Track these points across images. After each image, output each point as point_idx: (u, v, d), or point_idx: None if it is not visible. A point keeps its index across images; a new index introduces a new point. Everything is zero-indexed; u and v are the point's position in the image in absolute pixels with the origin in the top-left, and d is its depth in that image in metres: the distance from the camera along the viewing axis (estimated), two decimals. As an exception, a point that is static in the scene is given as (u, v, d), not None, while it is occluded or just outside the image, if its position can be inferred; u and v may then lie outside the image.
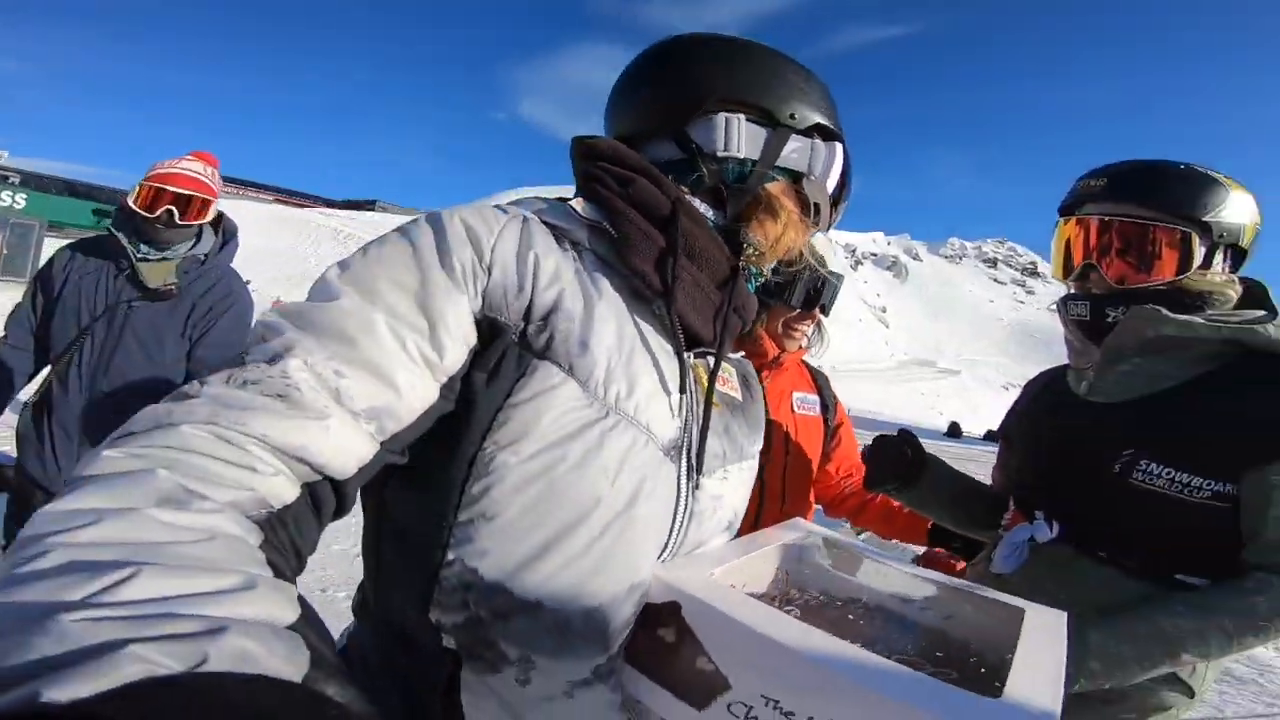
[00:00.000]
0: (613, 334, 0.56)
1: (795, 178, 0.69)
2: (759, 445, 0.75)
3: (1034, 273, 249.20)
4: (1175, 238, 1.00)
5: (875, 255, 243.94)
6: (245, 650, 0.28)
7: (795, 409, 1.48)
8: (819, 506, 1.63)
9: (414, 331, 0.49)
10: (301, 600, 0.35)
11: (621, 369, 0.56)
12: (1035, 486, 1.13)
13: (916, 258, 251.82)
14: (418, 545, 0.53)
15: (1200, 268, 1.00)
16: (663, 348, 0.61)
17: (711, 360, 0.65)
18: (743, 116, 0.66)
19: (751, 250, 0.67)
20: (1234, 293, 1.02)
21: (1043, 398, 1.23)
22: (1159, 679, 0.94)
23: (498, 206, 0.59)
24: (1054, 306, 1.16)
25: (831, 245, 1.46)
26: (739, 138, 0.66)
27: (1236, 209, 1.00)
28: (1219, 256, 1.02)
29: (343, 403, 0.45)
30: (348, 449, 0.45)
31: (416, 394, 0.49)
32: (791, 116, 0.68)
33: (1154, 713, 0.99)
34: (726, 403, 0.71)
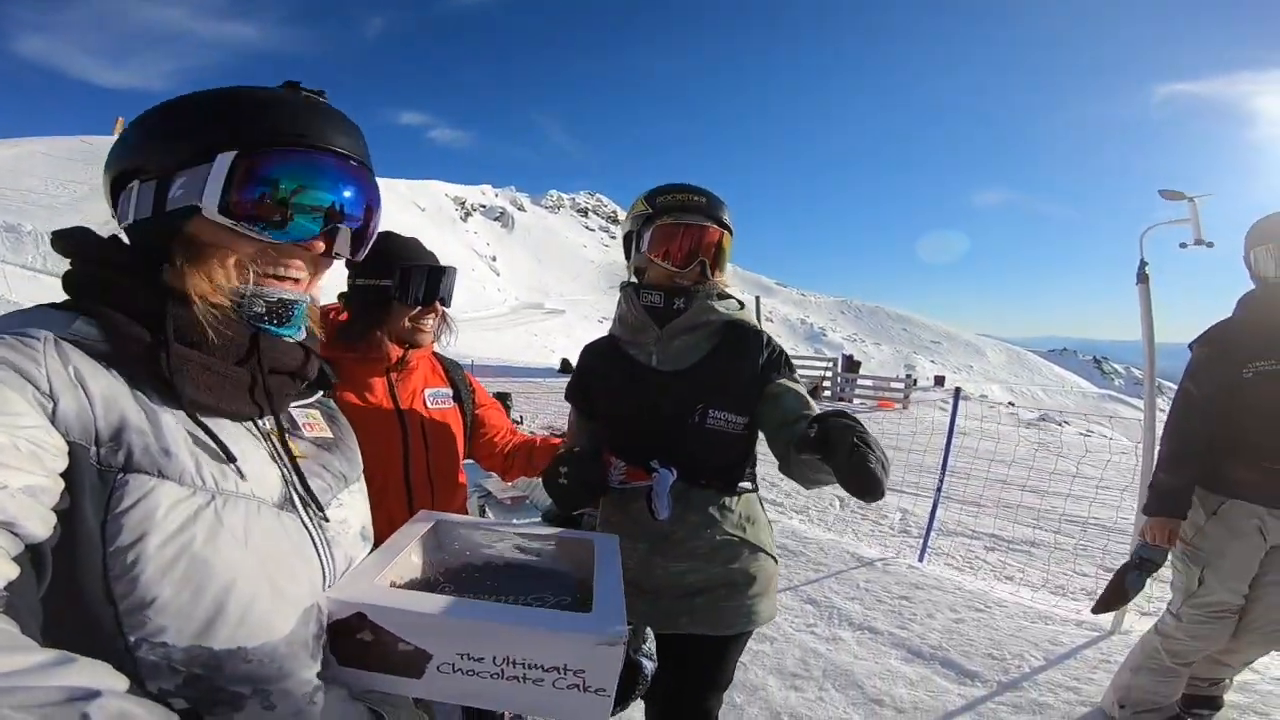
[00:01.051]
0: (184, 435, 0.58)
1: (195, 210, 0.62)
2: (360, 467, 0.82)
3: (615, 219, 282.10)
4: (720, 240, 1.37)
5: (484, 207, 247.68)
6: (126, 712, 0.31)
7: (429, 405, 1.48)
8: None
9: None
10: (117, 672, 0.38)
11: (207, 458, 0.59)
12: (641, 444, 1.33)
13: (521, 208, 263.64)
14: (94, 649, 0.46)
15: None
16: (241, 430, 0.65)
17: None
18: (136, 184, 0.64)
19: (201, 304, 0.62)
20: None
21: (614, 371, 1.44)
22: (750, 550, 1.34)
23: (21, 333, 0.54)
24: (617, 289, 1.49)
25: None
26: (130, 207, 0.64)
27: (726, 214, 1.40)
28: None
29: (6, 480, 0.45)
30: (33, 510, 0.46)
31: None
32: (176, 158, 0.63)
33: (757, 576, 1.34)
34: (319, 444, 0.77)
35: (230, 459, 0.61)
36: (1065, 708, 2.14)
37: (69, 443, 0.51)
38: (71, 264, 0.64)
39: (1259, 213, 2.49)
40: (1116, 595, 1.95)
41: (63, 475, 0.51)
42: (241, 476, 0.61)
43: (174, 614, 0.54)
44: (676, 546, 1.31)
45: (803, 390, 1.32)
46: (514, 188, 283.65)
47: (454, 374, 1.60)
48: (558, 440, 1.72)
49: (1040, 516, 5.35)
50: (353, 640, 0.66)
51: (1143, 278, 2.57)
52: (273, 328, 0.68)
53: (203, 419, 0.60)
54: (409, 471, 1.39)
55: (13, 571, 0.43)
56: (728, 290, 1.41)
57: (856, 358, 18.29)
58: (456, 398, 1.56)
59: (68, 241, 0.65)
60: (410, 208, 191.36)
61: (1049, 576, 3.92)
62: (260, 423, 0.68)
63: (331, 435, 0.80)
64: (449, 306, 1.47)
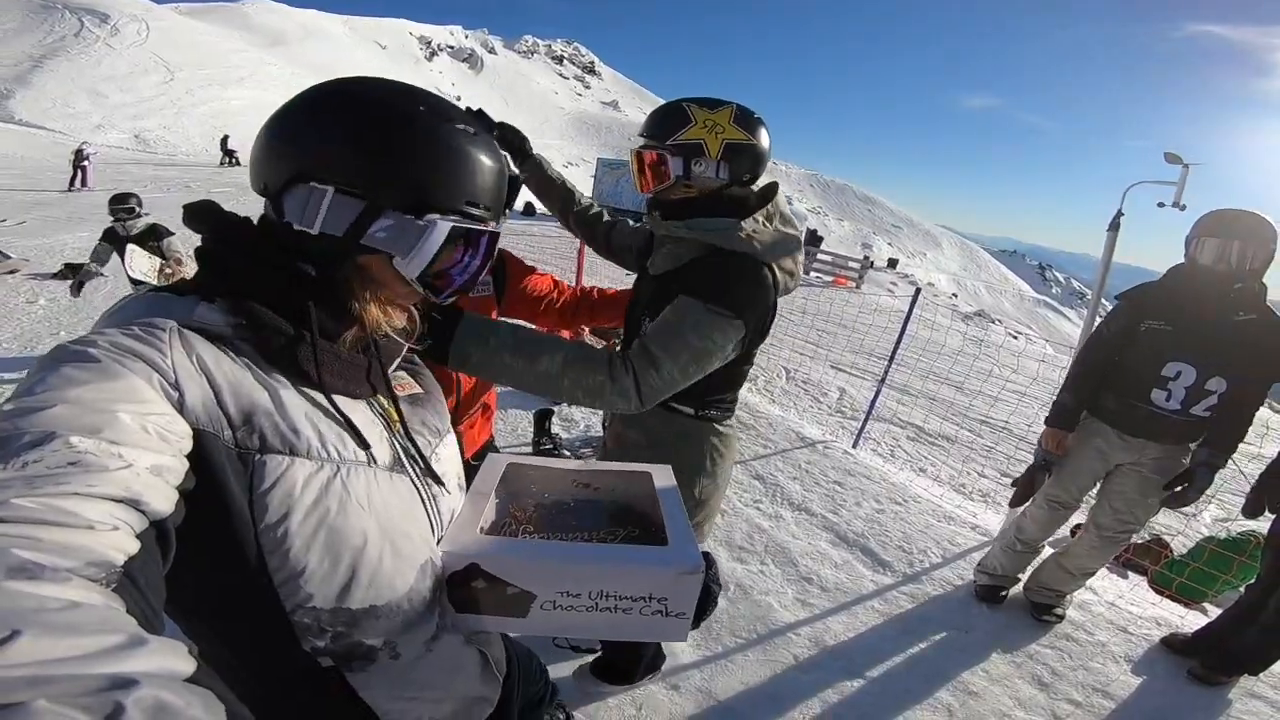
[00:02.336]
0: (306, 410, 0.61)
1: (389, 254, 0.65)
2: (448, 418, 0.84)
3: (591, 70, 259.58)
4: (655, 159, 1.30)
5: (452, 48, 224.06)
6: (163, 702, 0.29)
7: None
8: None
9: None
10: (196, 654, 0.35)
11: (329, 430, 0.61)
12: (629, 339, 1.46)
13: (492, 51, 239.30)
14: (258, 618, 0.58)
15: (684, 180, 1.28)
16: (353, 401, 0.67)
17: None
18: (330, 190, 0.61)
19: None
20: (735, 193, 1.31)
21: (642, 264, 1.51)
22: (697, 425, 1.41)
23: (147, 324, 0.55)
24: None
25: None
26: (319, 213, 0.61)
27: (697, 130, 1.26)
28: (700, 168, 1.27)
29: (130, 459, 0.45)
30: (158, 488, 0.47)
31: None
32: (388, 194, 0.62)
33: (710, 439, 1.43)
34: (412, 402, 0.78)
35: (356, 434, 0.64)
36: (952, 600, 2.56)
37: (200, 430, 0.52)
38: (203, 243, 0.64)
39: (1238, 178, 2.66)
40: (1026, 489, 2.44)
41: (195, 458, 0.52)
42: (360, 445, 0.64)
43: (319, 581, 0.58)
44: (615, 454, 1.49)
45: (677, 309, 1.19)
46: (486, 30, 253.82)
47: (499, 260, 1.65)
48: (614, 292, 1.78)
49: (962, 414, 5.88)
50: (467, 588, 0.71)
51: (1114, 226, 2.75)
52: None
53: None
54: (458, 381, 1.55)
55: (133, 547, 0.43)
56: (718, 192, 1.30)
57: (819, 233, 18.25)
58: (496, 287, 1.64)
59: (206, 223, 0.64)
60: (370, 46, 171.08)
61: (955, 474, 4.42)
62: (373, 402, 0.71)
63: (421, 391, 0.82)
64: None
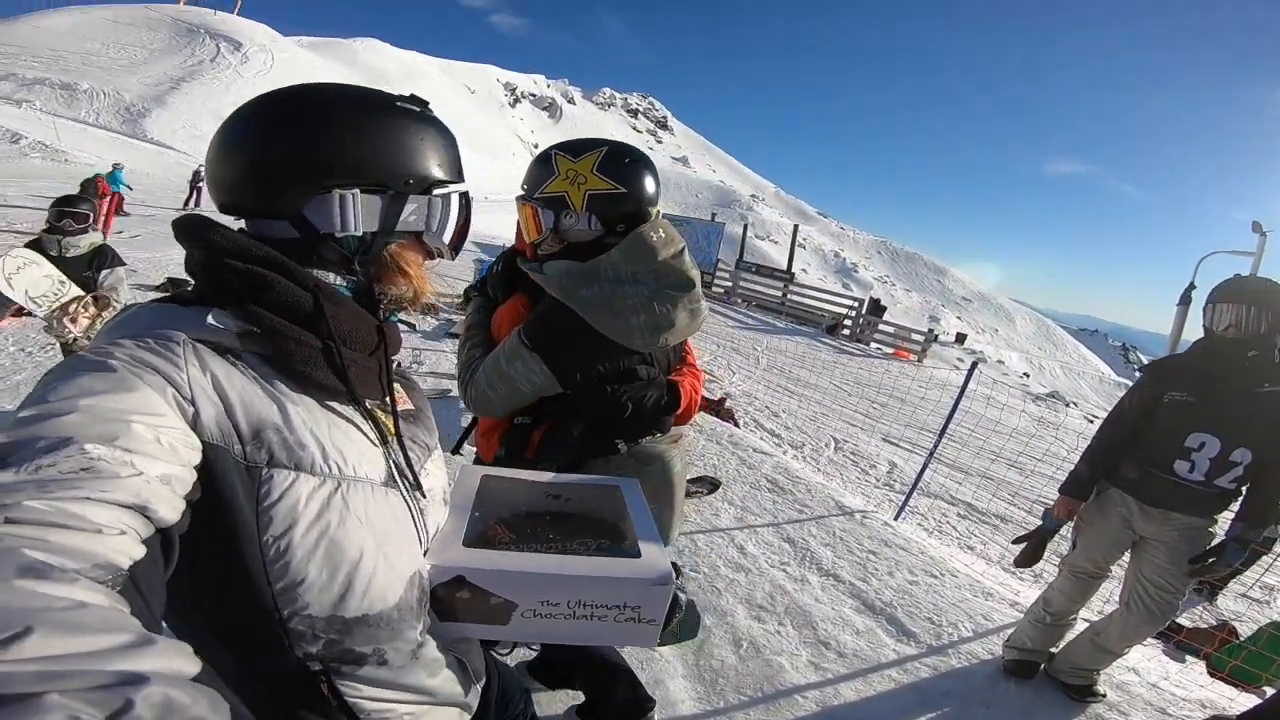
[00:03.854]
0: (310, 425, 0.62)
1: (418, 234, 0.73)
2: (436, 434, 0.86)
3: (664, 125, 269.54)
4: (531, 212, 1.32)
5: (534, 96, 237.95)
6: (171, 700, 0.31)
7: None
8: None
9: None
10: (199, 655, 0.37)
11: (332, 447, 0.64)
12: None
13: (572, 102, 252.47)
14: (254, 623, 0.60)
15: (554, 232, 1.31)
16: (351, 414, 0.68)
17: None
18: (357, 191, 0.66)
19: (389, 302, 0.74)
20: (558, 246, 1.33)
21: None
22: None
23: (161, 336, 0.57)
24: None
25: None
26: (355, 215, 0.67)
27: (560, 183, 1.28)
28: (570, 220, 1.30)
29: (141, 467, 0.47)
30: (166, 497, 0.48)
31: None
32: (408, 183, 0.70)
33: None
34: (407, 417, 0.79)
35: (378, 430, 0.70)
36: (977, 674, 2.42)
37: (212, 444, 0.55)
38: (200, 256, 0.64)
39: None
40: (1030, 554, 2.42)
41: (203, 470, 0.54)
42: (359, 460, 0.66)
43: (317, 591, 0.61)
44: None
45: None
46: (567, 80, 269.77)
47: None
48: None
49: (1017, 494, 5.59)
50: (453, 599, 0.76)
51: (1185, 300, 2.72)
52: (394, 317, 0.80)
53: (328, 404, 0.66)
54: None
55: (139, 552, 0.45)
56: (549, 248, 1.35)
57: (884, 302, 18.05)
58: None
59: (201, 237, 0.63)
60: (461, 89, 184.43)
61: (1005, 554, 4.16)
62: (368, 404, 0.71)
63: (414, 406, 0.84)
64: None
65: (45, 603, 0.34)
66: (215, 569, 0.58)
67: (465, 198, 0.78)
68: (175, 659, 0.35)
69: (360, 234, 0.68)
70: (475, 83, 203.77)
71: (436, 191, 0.74)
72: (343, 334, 0.67)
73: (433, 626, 0.75)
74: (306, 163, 0.65)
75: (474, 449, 1.55)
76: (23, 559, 0.37)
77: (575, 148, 1.31)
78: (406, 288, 0.74)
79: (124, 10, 71.48)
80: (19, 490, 0.41)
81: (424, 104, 0.75)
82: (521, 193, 1.36)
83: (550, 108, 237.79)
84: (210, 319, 0.60)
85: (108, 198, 8.90)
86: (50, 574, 0.37)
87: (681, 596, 0.93)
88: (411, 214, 0.71)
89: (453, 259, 0.80)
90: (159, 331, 0.57)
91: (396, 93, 0.75)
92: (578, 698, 1.91)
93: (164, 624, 0.54)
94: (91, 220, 3.15)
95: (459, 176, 0.76)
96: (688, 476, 3.75)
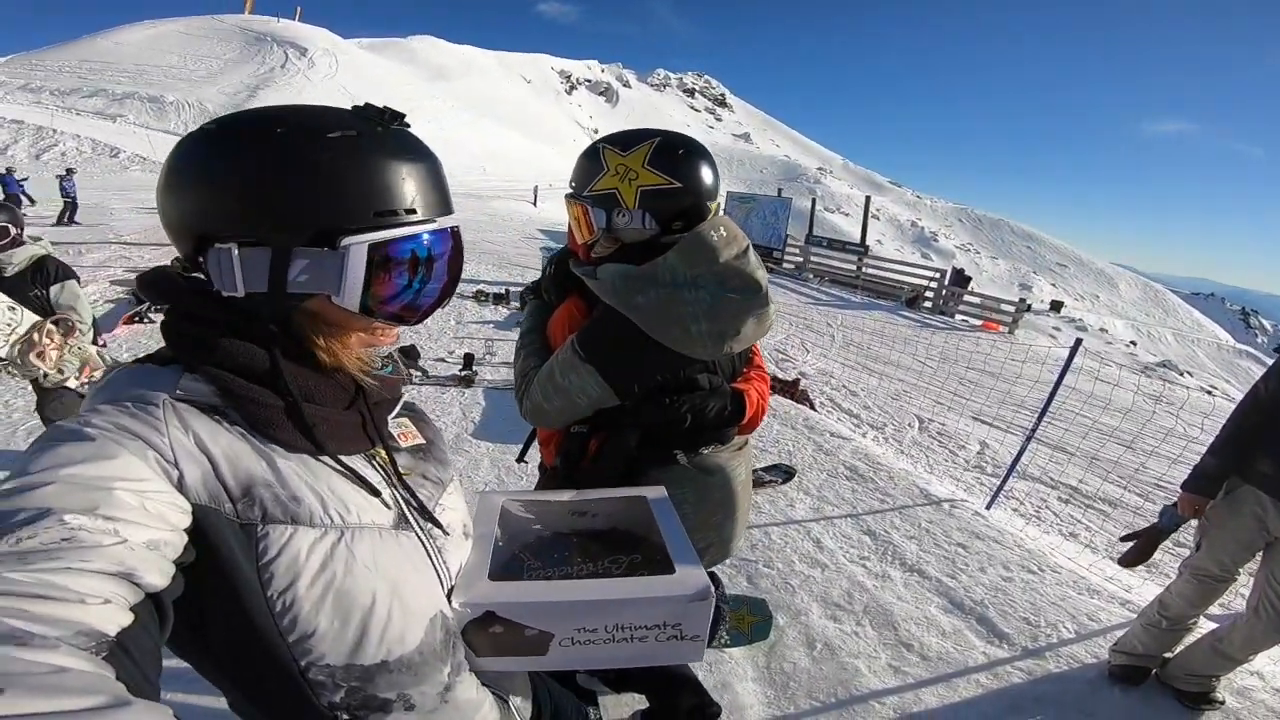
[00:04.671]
0: (305, 478, 0.61)
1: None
2: (451, 466, 0.83)
3: (723, 103, 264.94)
4: (581, 212, 1.24)
5: (590, 81, 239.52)
6: None
7: None
8: None
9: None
10: (236, 711, 0.44)
11: (332, 497, 0.62)
12: None
13: (627, 85, 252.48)
14: (275, 676, 0.59)
15: (607, 231, 1.23)
16: (347, 463, 0.66)
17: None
18: (233, 247, 0.58)
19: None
20: (613, 247, 1.24)
21: None
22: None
23: (139, 399, 0.56)
24: None
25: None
26: (233, 273, 0.58)
27: (610, 179, 1.20)
28: (623, 219, 1.21)
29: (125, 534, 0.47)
30: (153, 562, 0.48)
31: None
32: (286, 235, 0.58)
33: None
34: (416, 453, 0.78)
35: (369, 488, 0.66)
36: (1077, 679, 2.21)
37: (201, 506, 0.54)
38: (166, 315, 0.63)
39: None
40: (1141, 552, 2.20)
41: (196, 532, 0.53)
42: (364, 507, 0.65)
43: (330, 640, 0.59)
44: None
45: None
46: (620, 64, 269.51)
47: None
48: None
49: (1131, 476, 5.10)
50: (485, 634, 0.74)
51: None
52: (387, 369, 0.73)
53: (321, 459, 0.64)
54: None
55: (126, 619, 0.45)
56: (603, 249, 1.26)
57: (968, 272, 16.98)
58: None
59: (157, 292, 0.63)
60: (517, 80, 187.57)
61: (1114, 542, 3.79)
62: (374, 454, 0.71)
63: (424, 440, 0.81)
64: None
65: (23, 668, 0.35)
66: (229, 628, 0.57)
67: (389, 245, 0.61)
68: (152, 717, 0.36)
69: (243, 294, 0.58)
70: (530, 72, 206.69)
71: (344, 240, 0.59)
72: (306, 390, 0.63)
73: (471, 663, 0.74)
74: (178, 214, 0.59)
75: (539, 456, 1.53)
76: (1, 627, 0.38)
77: (624, 140, 1.22)
78: (320, 354, 0.64)
79: (193, 21, 76.75)
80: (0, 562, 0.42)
81: (368, 121, 0.62)
82: (570, 190, 1.28)
83: (606, 92, 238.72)
84: (185, 380, 0.59)
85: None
86: (30, 641, 0.38)
87: (724, 607, 0.89)
88: (301, 272, 0.59)
89: (393, 326, 0.68)
90: (137, 394, 0.56)
91: (353, 107, 0.63)
92: (644, 701, 1.86)
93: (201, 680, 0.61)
94: (17, 232, 2.68)
95: (405, 213, 0.61)
96: (759, 465, 3.64)
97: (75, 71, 54.86)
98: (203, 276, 0.61)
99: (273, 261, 0.58)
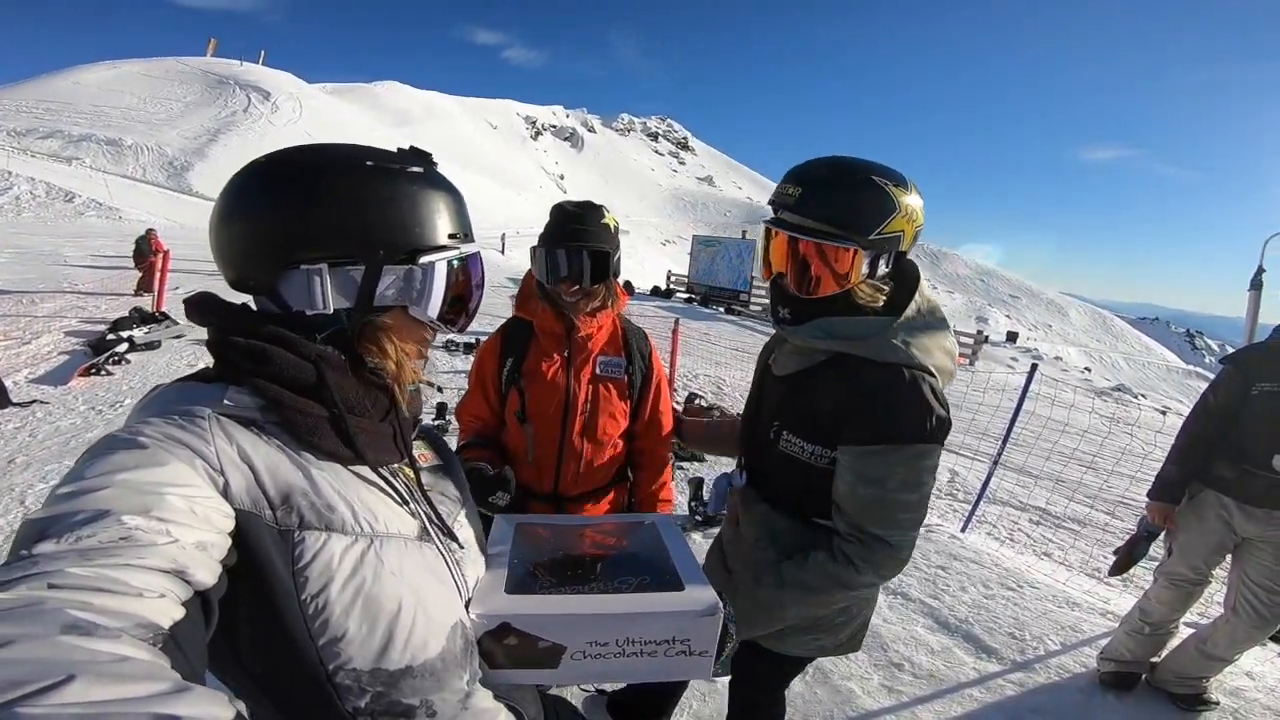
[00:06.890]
0: (338, 488, 0.65)
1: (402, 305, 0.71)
2: (465, 486, 0.90)
3: (686, 146, 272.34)
4: (845, 255, 1.06)
5: (555, 127, 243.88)
6: None
7: (598, 371, 1.61)
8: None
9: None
10: (234, 704, 0.40)
11: (362, 506, 0.66)
12: (744, 442, 1.38)
13: (591, 130, 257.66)
14: (304, 679, 0.62)
15: (867, 275, 1.10)
16: (376, 475, 0.71)
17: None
18: (324, 268, 0.65)
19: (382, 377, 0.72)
20: (882, 296, 1.14)
21: (763, 360, 1.38)
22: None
23: (187, 412, 0.60)
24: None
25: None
26: (324, 293, 0.65)
27: (900, 221, 1.07)
28: (885, 265, 1.11)
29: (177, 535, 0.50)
30: (202, 562, 0.51)
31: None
32: (381, 253, 0.67)
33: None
34: (435, 472, 0.85)
35: (399, 497, 0.71)
36: (1069, 688, 2.27)
37: (244, 512, 0.57)
38: (211, 334, 0.67)
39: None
40: (1125, 561, 2.36)
41: (238, 536, 0.57)
42: (391, 517, 0.69)
43: (358, 645, 0.63)
44: (736, 544, 1.38)
45: (865, 470, 1.07)
46: (585, 109, 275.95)
47: (633, 343, 1.67)
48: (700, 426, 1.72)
49: (1096, 496, 5.27)
50: (500, 646, 0.77)
51: (1257, 284, 2.60)
52: (412, 386, 0.79)
53: (353, 469, 0.68)
54: (566, 436, 1.57)
55: (179, 613, 0.47)
56: (876, 295, 1.13)
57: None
58: (628, 368, 1.64)
59: (211, 314, 0.68)
60: (483, 125, 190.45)
61: (1088, 559, 3.93)
62: (398, 468, 0.75)
63: (441, 462, 0.88)
64: (586, 283, 1.50)
65: (89, 656, 0.37)
66: (260, 630, 0.60)
67: (457, 263, 0.74)
68: (211, 706, 0.38)
69: (330, 311, 0.66)
70: (496, 118, 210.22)
71: (424, 259, 0.70)
72: (349, 402, 0.67)
73: (484, 676, 0.77)
74: (263, 240, 0.65)
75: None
76: (66, 618, 0.40)
77: (895, 175, 1.08)
78: (390, 360, 0.72)
79: (154, 63, 75.69)
80: (61, 559, 0.44)
81: (422, 159, 0.72)
82: (833, 230, 1.05)
83: (571, 138, 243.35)
84: (229, 395, 0.63)
85: (161, 254, 9.25)
86: (95, 631, 0.40)
87: (732, 626, 0.88)
88: (389, 287, 0.69)
89: (453, 332, 0.78)
90: (184, 408, 0.60)
91: (397, 148, 0.73)
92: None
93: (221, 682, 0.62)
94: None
95: (462, 237, 0.73)
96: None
97: (31, 111, 53.79)
98: (251, 299, 0.71)
99: (364, 278, 0.67)
